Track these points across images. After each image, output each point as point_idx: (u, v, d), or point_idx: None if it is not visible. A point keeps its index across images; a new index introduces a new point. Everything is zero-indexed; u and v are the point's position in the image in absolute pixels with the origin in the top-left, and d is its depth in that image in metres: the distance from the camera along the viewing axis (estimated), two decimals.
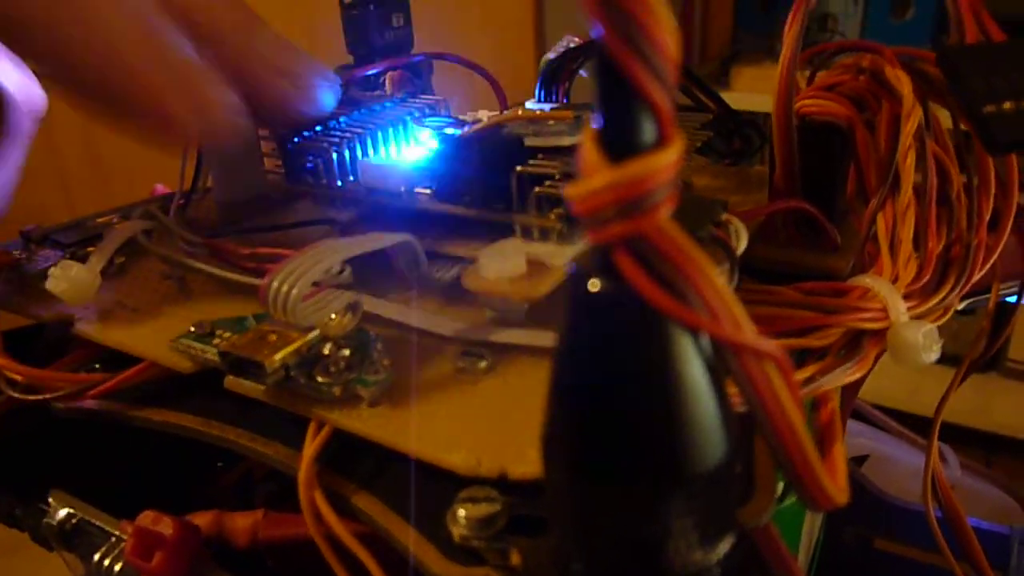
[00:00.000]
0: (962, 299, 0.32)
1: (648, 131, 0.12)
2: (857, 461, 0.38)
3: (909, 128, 0.25)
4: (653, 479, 0.14)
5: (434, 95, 0.37)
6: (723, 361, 0.14)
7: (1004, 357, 1.08)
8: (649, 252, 0.13)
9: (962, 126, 0.26)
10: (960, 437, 1.04)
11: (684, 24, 1.13)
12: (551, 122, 0.24)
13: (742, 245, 0.22)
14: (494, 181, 0.24)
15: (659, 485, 0.14)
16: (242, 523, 0.24)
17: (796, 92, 0.28)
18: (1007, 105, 0.21)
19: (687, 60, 1.15)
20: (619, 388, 0.13)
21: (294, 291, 0.20)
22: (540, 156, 0.24)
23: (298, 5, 0.94)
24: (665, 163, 0.12)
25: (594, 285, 0.13)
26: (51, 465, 0.28)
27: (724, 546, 0.15)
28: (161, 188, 0.38)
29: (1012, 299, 0.35)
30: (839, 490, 0.17)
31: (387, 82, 0.37)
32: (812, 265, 0.28)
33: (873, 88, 0.26)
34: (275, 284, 0.20)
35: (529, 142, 0.24)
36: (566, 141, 0.23)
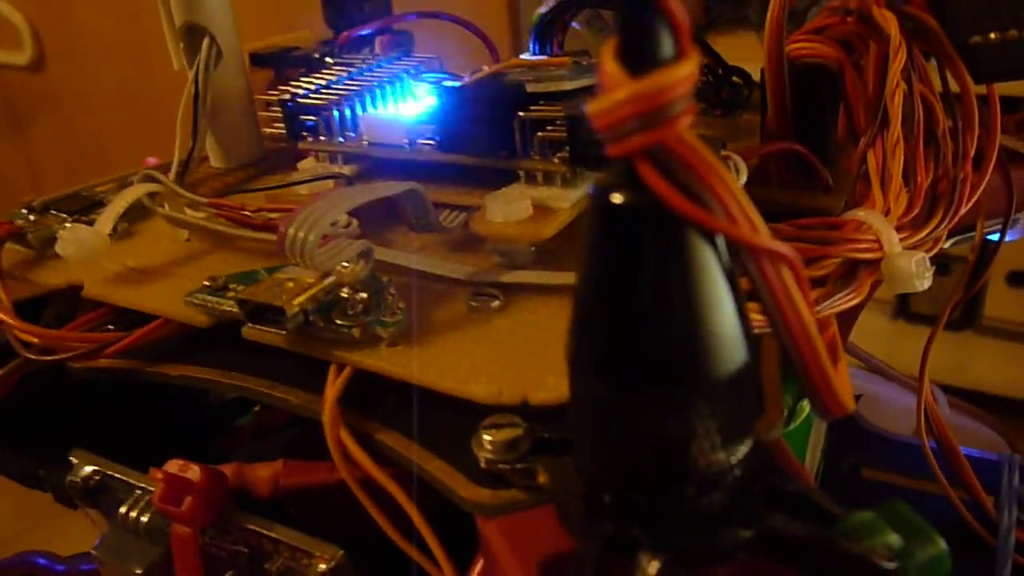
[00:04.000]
0: (950, 235, 0.34)
1: (666, 44, 0.13)
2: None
3: (896, 66, 0.26)
4: (678, 384, 0.14)
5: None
6: (741, 266, 0.14)
7: (979, 315, 1.09)
8: (670, 161, 0.13)
9: (948, 75, 0.27)
10: None
11: None
12: (551, 68, 0.24)
13: (742, 179, 0.22)
14: (498, 128, 0.24)
15: (685, 388, 0.14)
16: (263, 473, 0.25)
17: (786, 36, 0.28)
18: (992, 35, 0.22)
19: None
20: (645, 296, 0.14)
21: (311, 236, 0.21)
22: (542, 101, 0.24)
23: None
24: (684, 74, 0.13)
25: (616, 198, 0.14)
26: (67, 425, 0.28)
27: (743, 448, 0.16)
28: (153, 160, 0.39)
29: (994, 237, 0.36)
30: (848, 397, 0.18)
31: (376, 45, 0.37)
32: (806, 204, 0.29)
33: (860, 30, 0.27)
34: (292, 231, 0.21)
35: (531, 88, 0.24)
36: (567, 86, 0.24)
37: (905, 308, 1.14)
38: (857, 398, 0.39)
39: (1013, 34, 0.22)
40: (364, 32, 0.34)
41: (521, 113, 0.24)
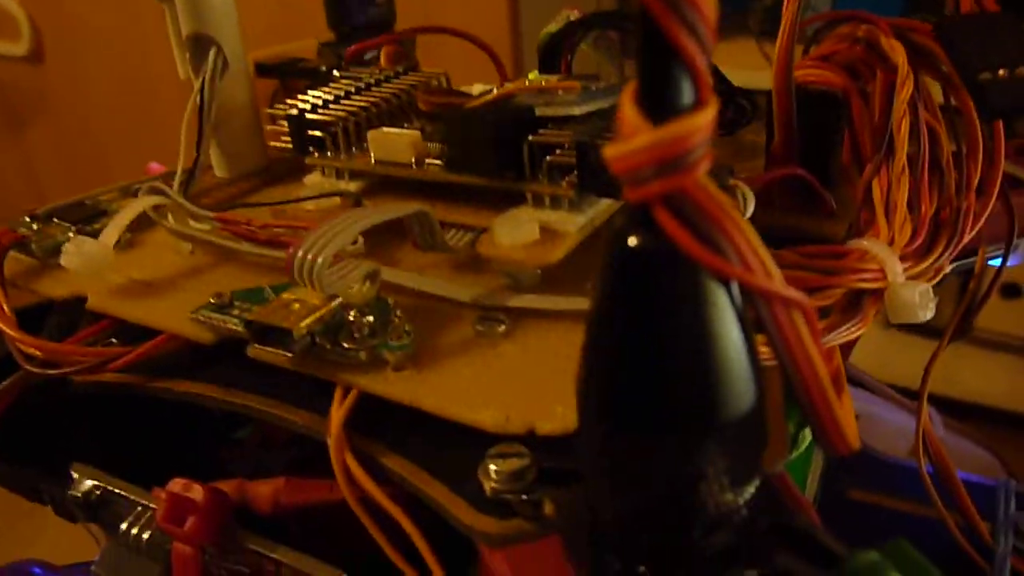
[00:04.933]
0: (952, 262, 0.34)
1: (686, 92, 0.13)
2: None
3: (903, 96, 0.26)
4: (690, 425, 0.14)
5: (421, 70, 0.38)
6: (754, 311, 0.14)
7: (971, 325, 1.10)
8: (687, 208, 0.13)
9: (952, 101, 0.27)
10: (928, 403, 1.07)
11: None
12: (560, 92, 0.24)
13: (749, 209, 0.22)
14: (506, 150, 0.24)
15: (695, 431, 0.14)
16: (264, 490, 0.25)
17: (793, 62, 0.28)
18: (1001, 73, 0.22)
19: None
20: (657, 340, 0.14)
21: (320, 259, 0.21)
22: (550, 125, 0.24)
23: None
24: (703, 123, 0.13)
25: (633, 241, 0.14)
26: (69, 438, 0.28)
27: (751, 488, 0.16)
28: (156, 167, 0.39)
29: (995, 262, 0.36)
30: (854, 434, 0.18)
31: (382, 57, 0.37)
32: (809, 230, 0.29)
33: (868, 58, 0.27)
34: (301, 253, 0.21)
35: (540, 112, 0.24)
36: (576, 111, 0.24)
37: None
38: (856, 418, 0.39)
39: (1022, 71, 0.22)
40: (366, 46, 0.34)
41: (530, 137, 0.24)
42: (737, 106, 0.34)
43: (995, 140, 0.28)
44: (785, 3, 0.26)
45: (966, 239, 0.28)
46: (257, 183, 0.34)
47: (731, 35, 1.11)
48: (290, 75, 0.33)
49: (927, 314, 0.24)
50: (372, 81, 0.30)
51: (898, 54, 0.26)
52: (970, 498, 0.31)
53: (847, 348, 0.36)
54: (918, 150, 0.27)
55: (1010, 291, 1.06)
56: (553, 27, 0.31)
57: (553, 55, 0.31)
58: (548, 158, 0.24)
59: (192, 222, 0.28)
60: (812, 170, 0.29)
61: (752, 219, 0.30)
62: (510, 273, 0.24)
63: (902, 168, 0.26)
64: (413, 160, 0.26)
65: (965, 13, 0.23)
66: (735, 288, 0.14)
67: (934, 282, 0.27)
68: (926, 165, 0.27)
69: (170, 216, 0.29)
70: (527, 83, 0.26)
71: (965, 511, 0.30)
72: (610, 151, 0.13)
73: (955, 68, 0.23)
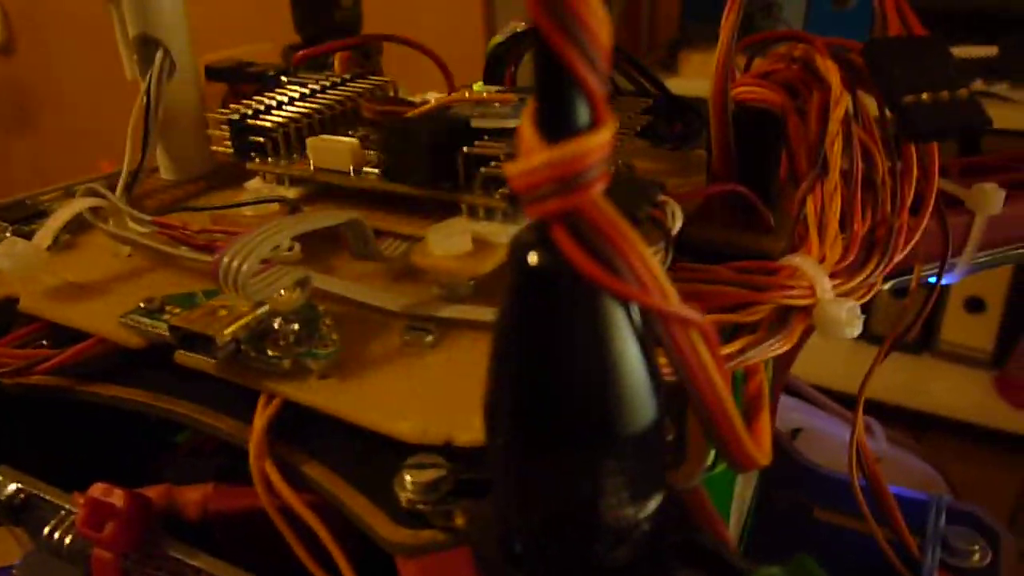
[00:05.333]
0: (886, 279, 0.34)
1: (582, 113, 0.13)
2: (791, 434, 0.40)
3: (837, 115, 0.26)
4: (585, 442, 0.14)
5: (382, 76, 0.38)
6: (652, 330, 0.15)
7: (936, 338, 1.12)
8: (584, 227, 0.13)
9: (888, 114, 0.27)
10: (891, 415, 1.08)
11: (632, 10, 1.14)
12: (496, 104, 0.25)
13: (677, 225, 0.23)
14: (441, 161, 0.24)
15: (591, 447, 0.15)
16: (192, 496, 0.25)
17: (733, 79, 0.29)
18: (925, 96, 0.22)
19: (635, 45, 1.17)
20: (554, 356, 0.14)
21: (244, 267, 0.21)
22: (486, 137, 0.24)
23: None
24: (598, 143, 0.13)
25: (533, 258, 0.14)
26: (2, 441, 0.28)
27: (653, 503, 0.16)
28: (107, 165, 0.38)
29: (932, 279, 0.37)
30: (762, 453, 0.18)
31: (336, 62, 0.37)
32: (747, 245, 0.29)
33: (804, 77, 0.28)
34: (226, 260, 0.21)
35: (475, 123, 0.24)
36: (510, 123, 0.24)
37: (865, 328, 1.16)
38: (797, 432, 0.40)
39: (944, 95, 0.23)
40: (319, 52, 0.34)
41: (465, 148, 0.24)
42: (686, 121, 0.34)
43: (929, 159, 0.29)
44: (723, 18, 0.26)
45: (898, 258, 0.28)
46: (203, 186, 0.33)
47: (704, 46, 1.12)
48: (239, 79, 0.33)
49: (854, 331, 0.25)
50: (318, 87, 0.30)
51: (832, 74, 0.26)
52: (902, 512, 0.31)
53: (787, 360, 0.36)
54: (852, 168, 0.27)
55: (975, 305, 1.08)
56: (499, 38, 0.31)
57: (499, 66, 0.31)
58: (482, 170, 0.24)
59: (131, 224, 0.28)
60: (751, 186, 0.29)
61: (692, 233, 0.30)
62: (443, 283, 0.24)
63: (834, 186, 0.27)
64: (351, 168, 0.26)
65: (892, 36, 0.24)
66: (634, 306, 0.15)
67: (865, 299, 0.28)
68: (859, 183, 0.27)
69: (110, 218, 0.29)
70: (467, 94, 0.26)
71: (895, 525, 0.30)
72: (509, 169, 0.13)
73: (880, 91, 0.24)
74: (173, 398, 0.23)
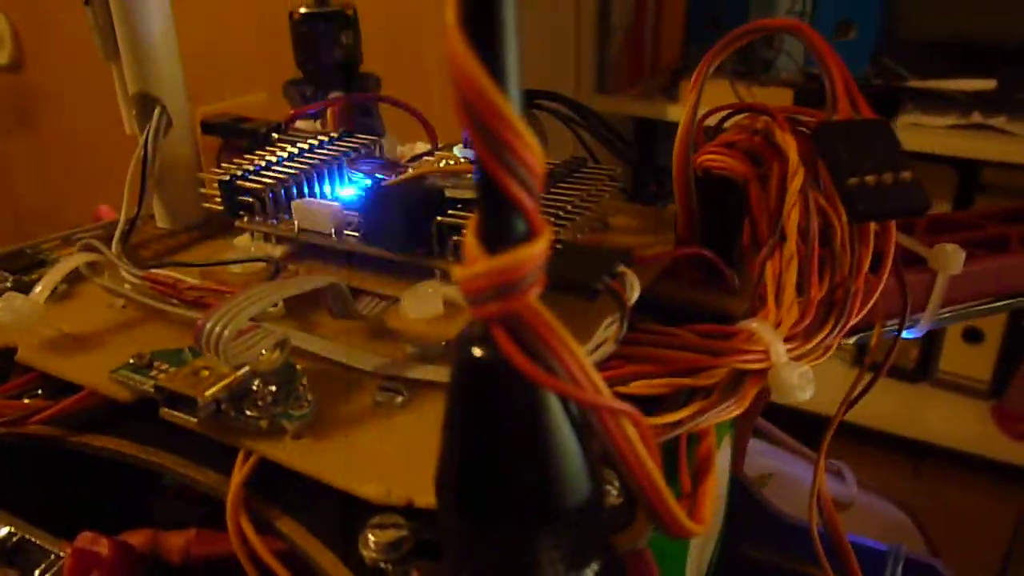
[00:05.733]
0: (849, 335, 0.36)
1: (519, 226, 0.15)
2: (762, 480, 0.41)
3: (794, 186, 0.28)
4: (520, 519, 0.16)
5: (378, 124, 0.40)
6: (587, 418, 0.16)
7: (935, 368, 1.12)
8: (521, 328, 0.15)
9: None
10: (888, 444, 1.09)
11: (636, 36, 1.16)
12: (468, 176, 0.26)
13: (634, 296, 0.24)
14: (416, 228, 0.26)
15: (525, 524, 0.16)
16: (176, 541, 0.26)
17: (700, 146, 0.30)
18: (868, 179, 0.24)
19: (637, 70, 1.18)
20: (492, 440, 0.16)
21: (226, 332, 0.22)
22: (459, 206, 0.26)
23: (250, 18, 0.95)
24: (532, 254, 0.15)
25: (476, 352, 0.15)
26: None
27: (591, 571, 0.17)
28: (105, 210, 0.40)
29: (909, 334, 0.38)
30: (698, 522, 0.20)
31: (328, 116, 0.39)
32: (711, 305, 0.30)
33: (766, 148, 0.29)
34: (208, 325, 0.22)
35: (449, 193, 0.26)
36: None
37: (864, 357, 1.17)
38: (769, 477, 0.41)
39: (888, 178, 0.24)
40: (310, 113, 0.35)
41: (439, 217, 0.25)
42: (659, 181, 0.36)
43: (887, 223, 0.30)
44: (688, 92, 0.28)
45: (854, 320, 0.29)
46: (197, 235, 0.35)
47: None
48: (232, 135, 0.35)
49: (805, 395, 0.26)
50: (306, 146, 0.32)
51: (790, 148, 0.28)
52: (861, 561, 0.32)
53: (755, 409, 0.37)
54: (809, 235, 0.28)
55: (974, 335, 1.09)
56: None
57: None
58: (454, 237, 0.25)
59: (125, 275, 0.29)
60: (717, 249, 0.30)
61: (661, 291, 0.32)
62: (416, 344, 0.26)
63: (791, 254, 0.28)
64: (333, 231, 0.28)
65: (842, 120, 0.25)
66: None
67: (821, 360, 0.29)
68: (815, 250, 0.29)
69: (106, 271, 0.30)
70: (443, 163, 0.28)
71: (851, 574, 0.31)
72: (455, 274, 0.15)
73: (828, 172, 0.25)
74: (159, 450, 0.25)
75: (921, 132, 0.95)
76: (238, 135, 0.34)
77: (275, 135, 0.33)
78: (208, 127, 0.35)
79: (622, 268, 0.24)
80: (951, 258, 0.34)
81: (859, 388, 0.33)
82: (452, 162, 0.28)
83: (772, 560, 0.33)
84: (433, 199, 0.26)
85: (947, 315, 0.37)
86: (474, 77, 0.13)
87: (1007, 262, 0.37)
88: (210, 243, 0.34)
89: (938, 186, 1.02)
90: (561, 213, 0.27)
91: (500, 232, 0.15)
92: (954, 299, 0.37)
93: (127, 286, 0.29)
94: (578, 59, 1.10)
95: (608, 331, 0.24)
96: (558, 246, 0.25)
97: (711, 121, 0.32)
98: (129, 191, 0.34)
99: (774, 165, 0.29)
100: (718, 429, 0.29)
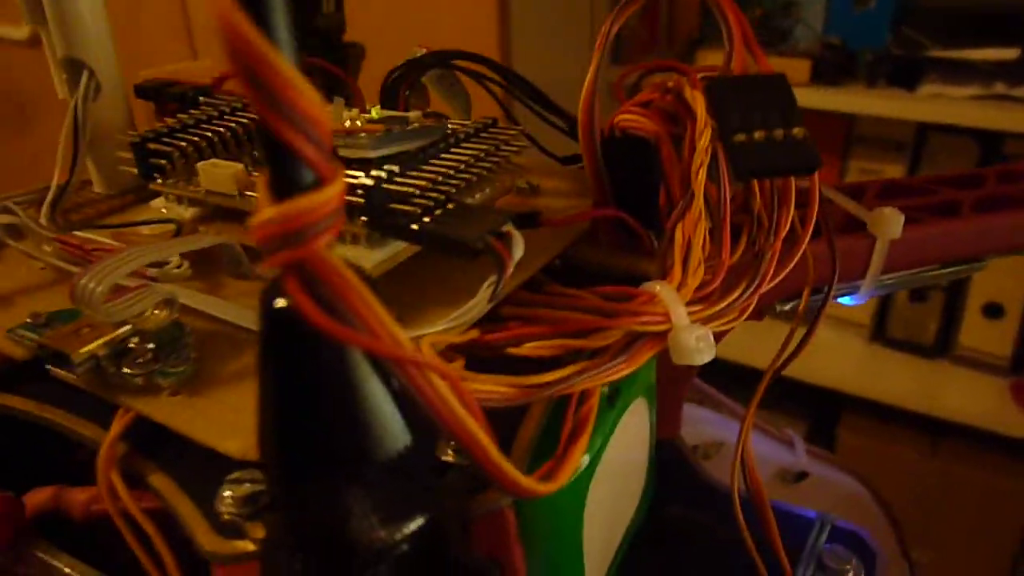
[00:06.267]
0: (785, 299, 0.35)
1: (305, 175, 0.14)
2: (710, 449, 0.41)
3: (702, 144, 0.27)
4: (329, 471, 0.16)
5: (350, 91, 0.39)
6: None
7: (954, 344, 1.10)
8: (313, 277, 0.15)
9: None
10: (906, 421, 1.07)
11: (651, 6, 1.14)
12: (362, 135, 0.26)
13: (517, 254, 0.24)
14: None
15: (334, 477, 0.16)
16: (78, 497, 0.27)
17: (621, 104, 0.30)
18: (757, 135, 0.23)
19: (653, 41, 1.17)
20: (300, 392, 0.16)
21: (99, 289, 0.22)
22: (352, 166, 0.26)
23: None
24: (321, 201, 0.14)
25: (279, 303, 0.15)
26: None
27: (412, 526, 0.17)
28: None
29: (845, 300, 0.38)
30: (555, 482, 0.20)
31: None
32: (626, 267, 0.30)
33: (678, 107, 0.29)
34: (83, 282, 0.22)
35: (341, 153, 0.26)
36: (371, 154, 0.25)
37: (882, 332, 1.16)
38: (719, 446, 0.41)
39: (778, 134, 0.23)
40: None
41: None
42: None
43: (811, 185, 0.30)
44: (594, 54, 0.28)
45: (767, 285, 0.29)
46: (130, 199, 0.35)
47: (722, 45, 1.12)
48: (162, 99, 0.35)
49: (705, 357, 0.25)
50: (228, 110, 0.32)
51: (699, 105, 0.27)
52: (789, 529, 0.32)
53: (681, 372, 0.37)
54: (720, 196, 0.28)
55: (994, 311, 1.07)
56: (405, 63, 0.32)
57: (395, 90, 0.32)
58: (345, 197, 0.25)
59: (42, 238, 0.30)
60: (633, 210, 0.30)
61: (577, 254, 0.31)
62: None
63: (698, 214, 0.27)
64: (237, 191, 0.28)
65: (738, 75, 0.25)
66: None
67: (732, 325, 0.28)
68: (727, 212, 0.28)
69: (28, 234, 0.31)
70: (349, 123, 0.28)
71: (770, 539, 0.31)
72: (249, 222, 0.15)
73: (717, 126, 0.25)
74: (53, 407, 0.25)
75: (943, 103, 0.92)
76: (167, 99, 0.34)
77: (202, 98, 0.33)
78: (140, 91, 0.35)
79: (507, 228, 0.24)
80: (889, 221, 0.34)
81: (788, 350, 0.33)
82: (359, 123, 0.28)
83: (698, 521, 0.33)
84: None
85: (890, 281, 0.36)
86: (239, 27, 0.13)
87: (955, 227, 0.36)
88: (142, 208, 0.35)
89: (960, 158, 1.00)
90: (453, 172, 0.26)
91: (286, 181, 0.15)
92: (899, 265, 0.36)
93: (46, 247, 0.30)
94: (592, 29, 1.09)
95: (487, 292, 0.23)
96: (449, 206, 0.25)
97: (632, 79, 0.31)
98: (61, 156, 0.34)
99: (687, 124, 0.28)
100: (627, 391, 0.29)
